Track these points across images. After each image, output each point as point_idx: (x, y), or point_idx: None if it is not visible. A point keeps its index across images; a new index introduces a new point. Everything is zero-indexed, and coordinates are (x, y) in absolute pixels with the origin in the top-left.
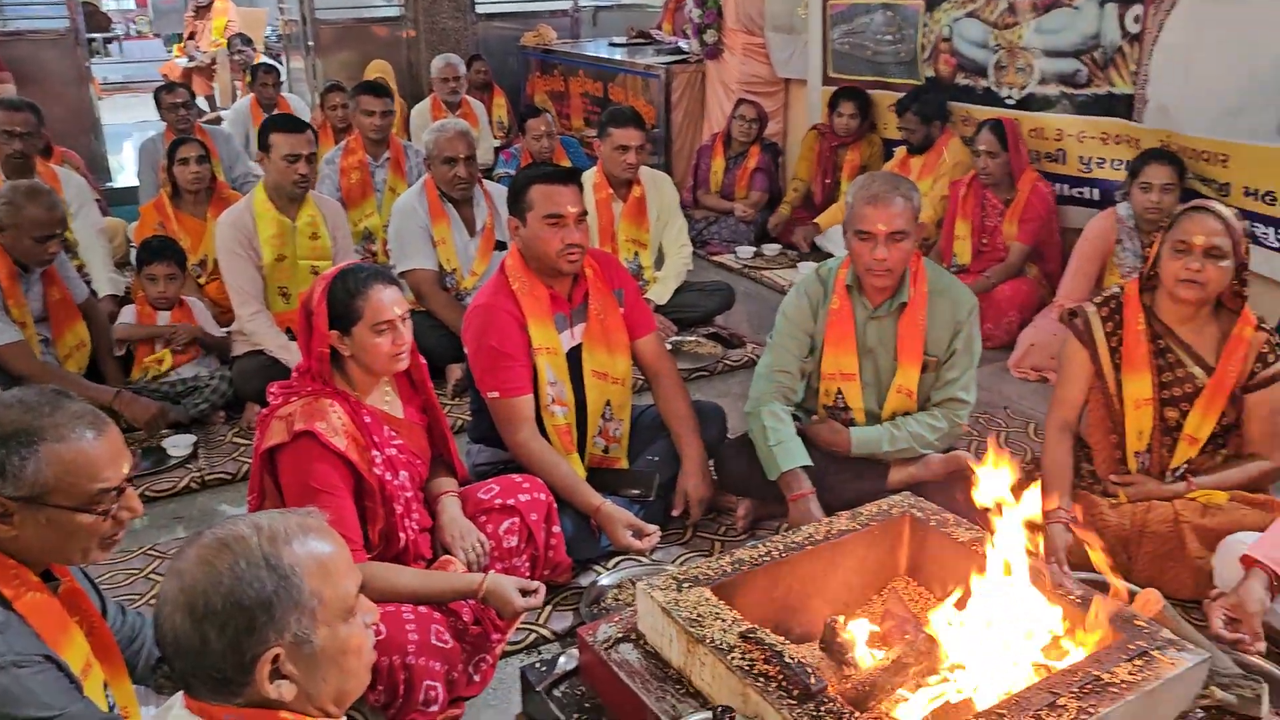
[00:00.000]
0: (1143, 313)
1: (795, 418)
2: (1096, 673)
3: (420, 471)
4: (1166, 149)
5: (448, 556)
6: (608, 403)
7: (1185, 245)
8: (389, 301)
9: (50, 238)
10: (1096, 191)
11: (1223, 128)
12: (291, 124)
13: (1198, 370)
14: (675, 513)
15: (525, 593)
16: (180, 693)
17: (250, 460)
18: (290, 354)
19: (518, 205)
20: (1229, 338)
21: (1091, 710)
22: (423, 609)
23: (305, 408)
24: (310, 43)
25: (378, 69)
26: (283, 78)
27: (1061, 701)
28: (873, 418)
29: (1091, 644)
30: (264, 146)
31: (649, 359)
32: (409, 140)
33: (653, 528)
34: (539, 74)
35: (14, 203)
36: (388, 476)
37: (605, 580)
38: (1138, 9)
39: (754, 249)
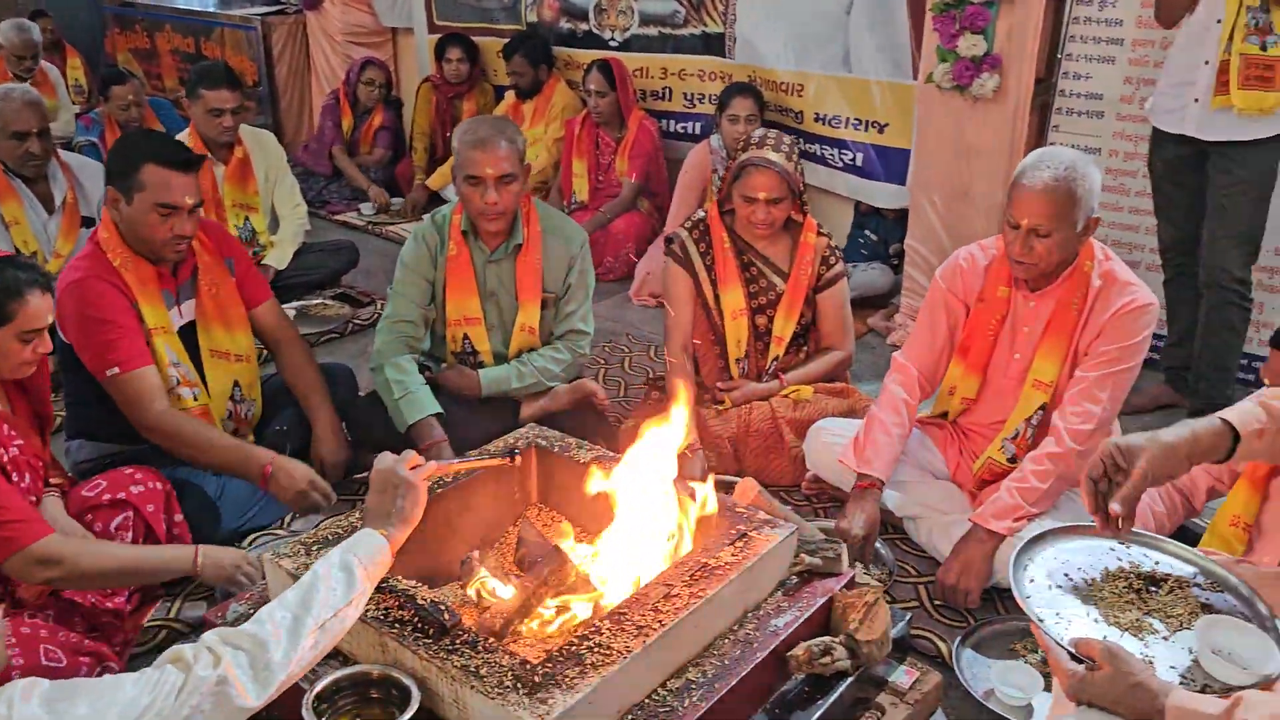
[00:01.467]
0: (725, 232)
1: (425, 367)
2: (704, 560)
3: (40, 475)
4: (748, 83)
5: None
6: (236, 384)
7: (752, 198)
8: (42, 310)
9: None
10: (699, 126)
11: (799, 60)
12: None
13: (777, 279)
14: None
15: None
16: None
17: None
18: None
19: (125, 181)
20: (798, 245)
21: (702, 593)
22: (25, 629)
23: None
24: None
25: None
26: None
27: (676, 590)
28: (500, 359)
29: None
30: None
31: (269, 327)
32: None
33: (326, 488)
34: (119, 30)
35: None
36: (15, 478)
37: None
38: None
39: (376, 205)
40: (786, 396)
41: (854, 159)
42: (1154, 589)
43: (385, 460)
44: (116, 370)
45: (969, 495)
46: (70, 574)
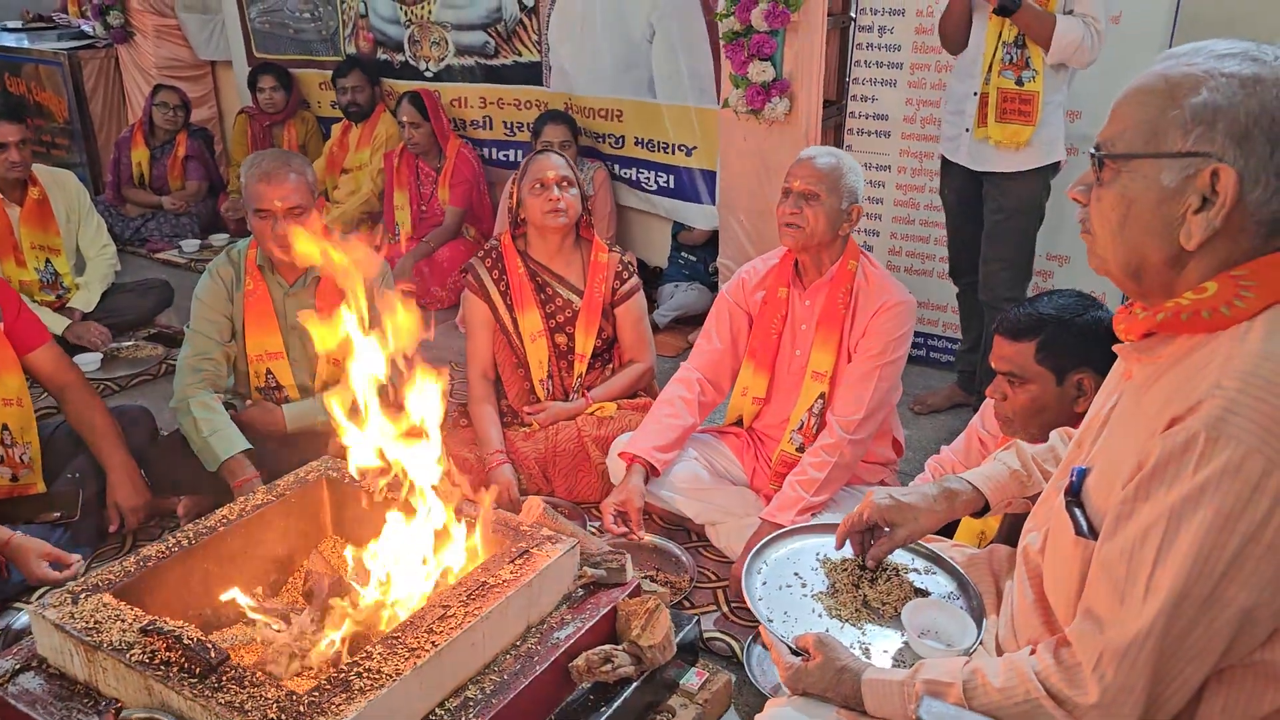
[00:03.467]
0: (519, 257)
1: (230, 405)
2: (483, 578)
3: None
4: (561, 111)
5: None
6: (4, 427)
7: (541, 183)
8: None
9: None
10: (520, 153)
11: (613, 87)
12: None
13: (573, 296)
14: (113, 528)
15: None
16: None
17: None
18: None
19: None
20: (590, 263)
21: (478, 611)
22: None
23: None
24: None
25: None
26: None
27: (452, 610)
28: (306, 392)
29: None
30: None
31: (48, 372)
32: None
33: (74, 556)
34: None
35: None
36: None
37: (24, 620)
38: None
39: (200, 241)
40: (592, 414)
41: (668, 181)
42: (875, 577)
43: None
44: None
45: (764, 499)
46: None
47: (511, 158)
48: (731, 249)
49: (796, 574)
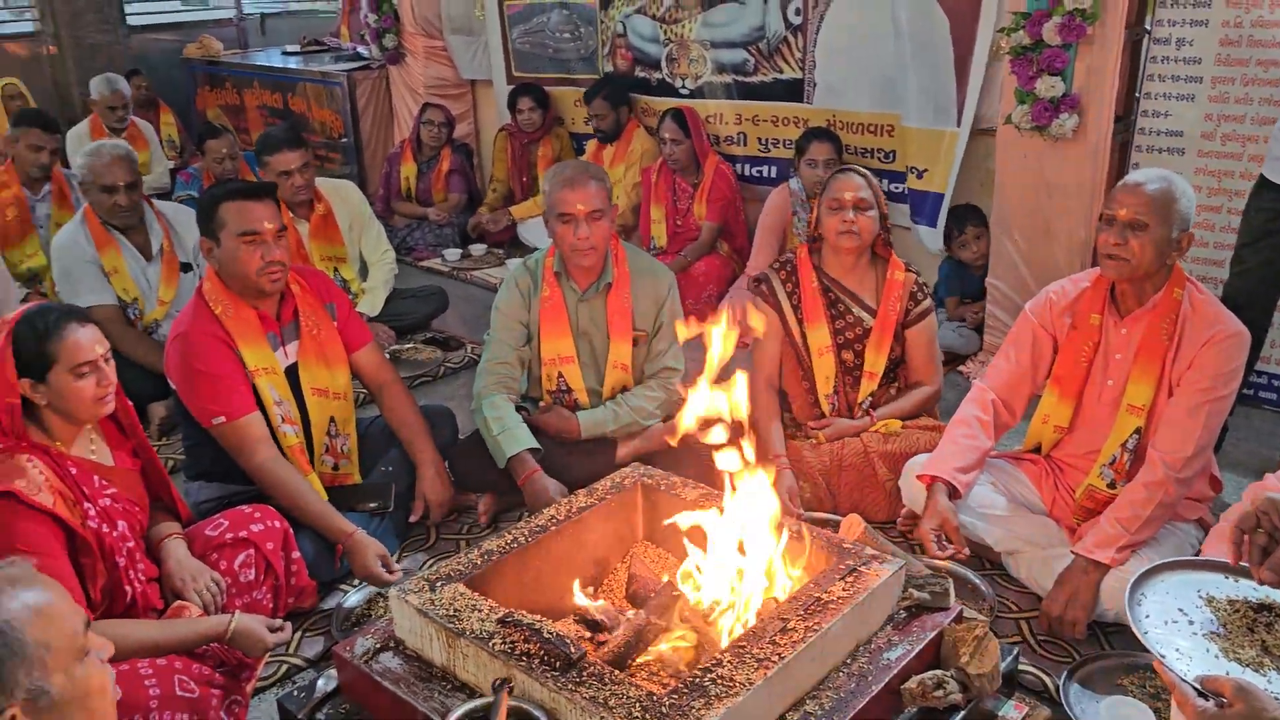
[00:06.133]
0: (813, 271)
1: (523, 409)
2: (817, 594)
3: (140, 520)
4: (825, 128)
5: (181, 603)
6: (331, 419)
7: (838, 202)
8: (88, 341)
9: None
10: (774, 169)
11: (883, 101)
12: None
13: (864, 314)
14: (414, 518)
15: (273, 629)
16: None
17: None
18: None
19: (208, 225)
20: (885, 282)
21: (817, 627)
22: (161, 661)
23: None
24: None
25: (6, 87)
26: None
27: (792, 624)
28: (594, 395)
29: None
30: None
31: (370, 371)
32: (66, 167)
33: (399, 568)
34: (208, 87)
35: None
36: (104, 529)
37: (353, 599)
38: (798, 2)
39: (460, 250)
40: (877, 431)
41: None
42: (1273, 622)
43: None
44: (222, 419)
45: (1067, 530)
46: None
47: (765, 174)
48: (1003, 269)
49: (1181, 610)
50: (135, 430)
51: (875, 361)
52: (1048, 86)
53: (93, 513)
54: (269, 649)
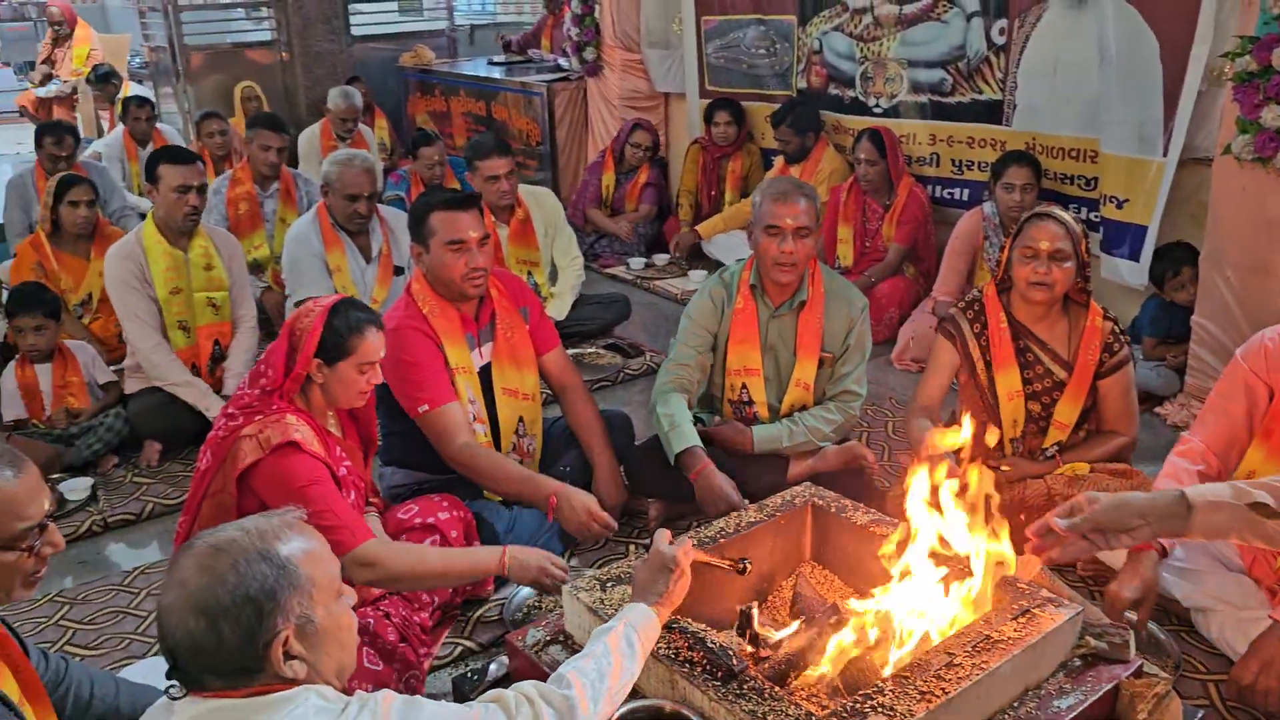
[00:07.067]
0: (1002, 312)
1: (699, 419)
2: (987, 632)
3: (364, 494)
4: (1025, 151)
5: None
6: (520, 419)
7: (1032, 251)
8: (377, 345)
9: None
10: (967, 192)
11: (1088, 126)
12: (181, 155)
13: (1055, 366)
14: None
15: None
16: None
17: (193, 483)
18: (195, 391)
19: (419, 232)
20: (1082, 330)
21: (984, 665)
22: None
23: (275, 424)
24: (179, 70)
25: (245, 89)
26: (156, 109)
27: (958, 660)
28: (773, 410)
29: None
30: (152, 179)
31: (556, 373)
32: (294, 168)
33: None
34: (419, 94)
35: None
36: (343, 494)
37: (524, 591)
38: (1002, 22)
39: (645, 260)
40: (1062, 473)
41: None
42: None
43: (664, 546)
44: (426, 408)
45: (1266, 592)
46: (385, 575)
47: (958, 196)
48: (1212, 309)
49: None
50: (370, 422)
51: (1068, 413)
52: (1275, 116)
53: (337, 474)
54: (551, 575)
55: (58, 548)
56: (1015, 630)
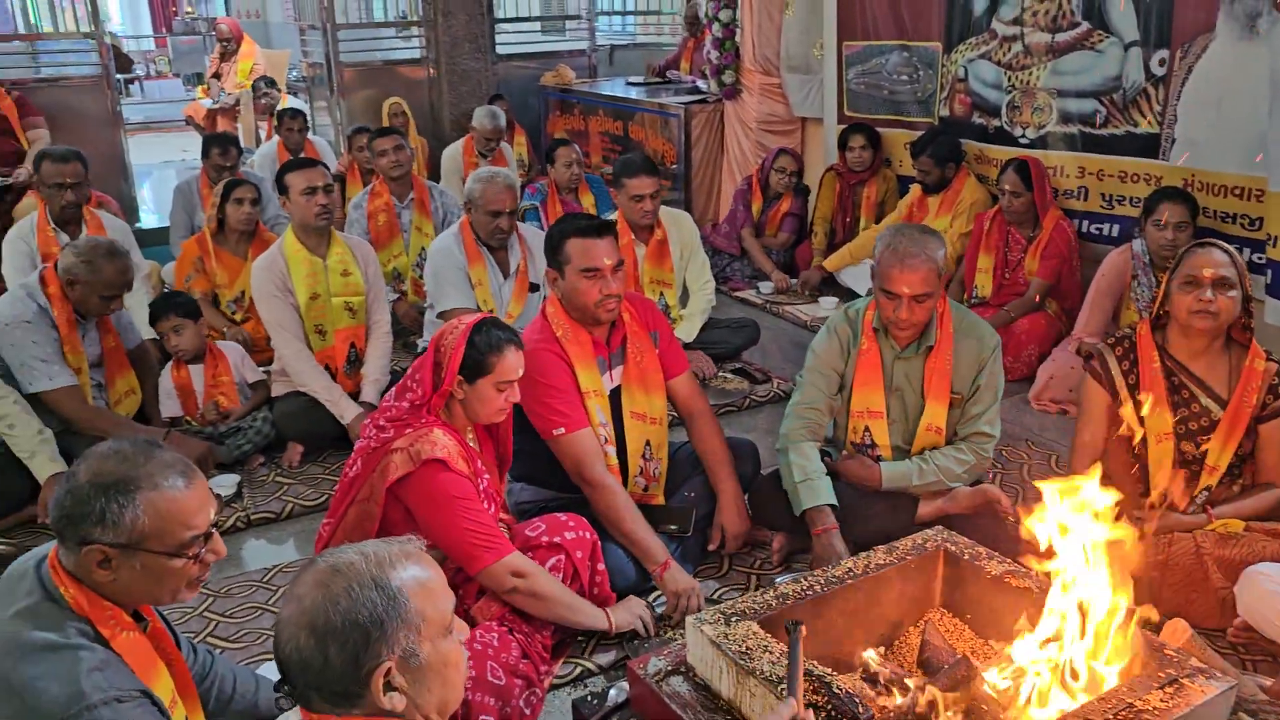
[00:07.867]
0: (1156, 350)
1: (825, 453)
2: (1130, 700)
3: (500, 507)
4: (1179, 188)
5: None
6: (647, 442)
7: (1195, 279)
8: (516, 364)
9: (116, 296)
10: (1116, 228)
11: (1254, 164)
12: (302, 163)
13: (1211, 404)
14: (712, 547)
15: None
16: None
17: (338, 489)
18: (333, 396)
19: (555, 258)
20: (1242, 370)
21: None
22: (478, 646)
23: (424, 439)
24: (334, 84)
25: (392, 105)
26: (309, 121)
27: None
28: (899, 453)
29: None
30: (282, 191)
31: (684, 398)
32: (434, 181)
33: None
34: (559, 113)
35: (93, 263)
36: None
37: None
38: (1163, 53)
39: (775, 287)
40: (1213, 530)
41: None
42: None
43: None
44: (562, 431)
45: None
46: (529, 589)
47: (1106, 232)
48: None
49: None
50: (506, 439)
51: (1220, 456)
52: None
53: (481, 489)
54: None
55: (220, 555)
56: (1161, 700)
